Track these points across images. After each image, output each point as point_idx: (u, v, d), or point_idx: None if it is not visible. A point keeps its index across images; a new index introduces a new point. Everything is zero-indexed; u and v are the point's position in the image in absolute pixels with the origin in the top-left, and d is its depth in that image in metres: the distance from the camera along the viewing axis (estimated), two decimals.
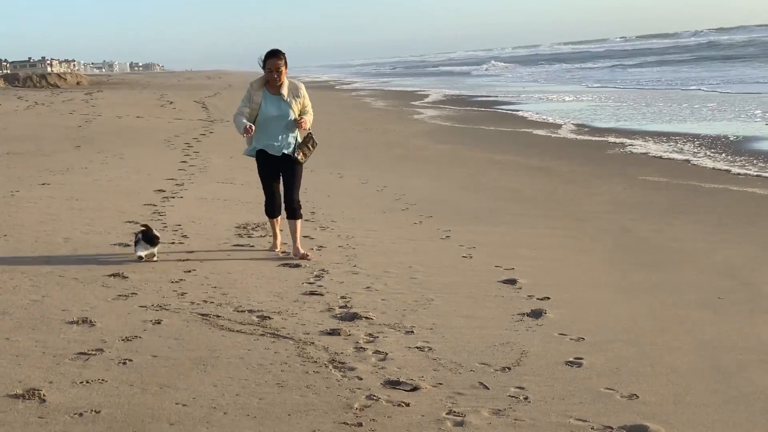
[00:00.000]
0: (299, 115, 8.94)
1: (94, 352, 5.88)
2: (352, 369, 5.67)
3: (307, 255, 8.89)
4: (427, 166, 17.88)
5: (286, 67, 8.83)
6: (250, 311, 6.97)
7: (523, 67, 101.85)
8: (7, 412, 4.84)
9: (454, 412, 5.00)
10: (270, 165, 9.06)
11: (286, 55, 8.83)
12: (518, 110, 34.18)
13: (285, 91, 8.86)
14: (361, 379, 5.50)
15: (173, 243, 9.54)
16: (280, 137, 8.92)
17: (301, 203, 9.12)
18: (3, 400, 5.00)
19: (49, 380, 5.32)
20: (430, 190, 14.51)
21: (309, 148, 9.04)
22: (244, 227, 10.60)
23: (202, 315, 6.83)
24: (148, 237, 8.61)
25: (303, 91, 9.01)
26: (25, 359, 5.71)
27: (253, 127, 8.73)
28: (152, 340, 6.18)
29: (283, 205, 9.16)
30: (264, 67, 8.80)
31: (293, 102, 8.88)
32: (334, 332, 6.46)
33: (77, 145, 20.79)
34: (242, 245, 9.60)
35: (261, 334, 6.38)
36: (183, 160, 17.89)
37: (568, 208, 12.67)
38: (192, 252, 9.11)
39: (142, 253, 8.54)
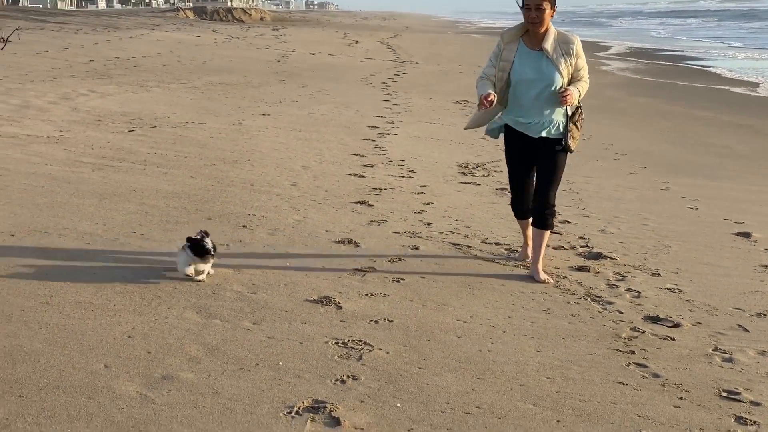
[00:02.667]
0: (567, 84, 6.24)
1: (368, 270, 6.44)
2: (610, 303, 6.02)
3: (549, 281, 6.46)
4: (625, 118, 17.81)
5: (552, 8, 6.18)
6: (497, 244, 7.39)
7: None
8: (314, 314, 5.44)
9: (720, 349, 5.27)
10: (522, 149, 6.44)
11: None
12: (708, 66, 33.22)
13: (549, 45, 6.17)
14: (621, 312, 5.83)
15: (403, 177, 10.06)
16: (537, 112, 6.26)
17: (556, 208, 6.58)
18: (305, 303, 5.62)
19: (338, 290, 5.91)
20: (635, 141, 14.54)
21: (578, 129, 6.39)
22: (466, 166, 11.03)
23: (454, 244, 7.30)
24: (197, 248, 5.90)
25: (577, 47, 6.22)
26: (310, 270, 6.33)
27: (494, 97, 6.10)
28: (415, 263, 6.70)
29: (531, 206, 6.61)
30: (522, 6, 6.19)
31: (561, 61, 6.16)
32: (583, 269, 6.80)
33: (281, 79, 21.74)
34: (468, 182, 10.02)
35: (514, 266, 6.79)
36: (385, 99, 18.47)
37: None
38: (424, 186, 9.58)
39: (189, 270, 5.95)
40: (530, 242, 6.70)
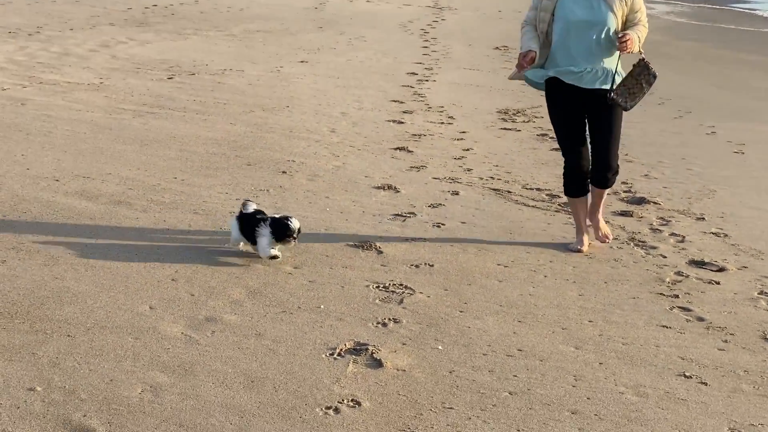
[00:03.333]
0: (622, 28, 5.53)
1: (408, 215, 6.43)
2: (653, 248, 5.96)
3: (609, 237, 6.00)
4: (671, 62, 17.44)
5: None
6: (538, 189, 7.34)
7: None
8: (354, 258, 5.45)
9: (765, 293, 5.23)
10: (571, 103, 5.64)
11: None
12: (755, 9, 32.41)
13: None
14: (665, 257, 5.78)
15: (442, 123, 9.99)
16: (590, 59, 5.50)
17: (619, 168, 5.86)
18: (346, 247, 5.63)
19: (379, 235, 5.91)
20: (681, 85, 14.28)
21: (641, 86, 5.52)
22: (506, 112, 10.91)
23: (494, 190, 7.26)
24: (281, 229, 5.22)
25: None
26: (350, 215, 6.33)
27: (534, 55, 5.56)
28: (455, 209, 6.67)
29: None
30: None
31: (615, 1, 5.48)
32: (626, 213, 6.74)
33: (319, 26, 21.57)
34: (509, 128, 9.93)
35: (555, 211, 6.75)
36: (424, 45, 18.27)
37: None
38: (464, 132, 9.51)
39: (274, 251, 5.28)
40: (586, 230, 5.90)
